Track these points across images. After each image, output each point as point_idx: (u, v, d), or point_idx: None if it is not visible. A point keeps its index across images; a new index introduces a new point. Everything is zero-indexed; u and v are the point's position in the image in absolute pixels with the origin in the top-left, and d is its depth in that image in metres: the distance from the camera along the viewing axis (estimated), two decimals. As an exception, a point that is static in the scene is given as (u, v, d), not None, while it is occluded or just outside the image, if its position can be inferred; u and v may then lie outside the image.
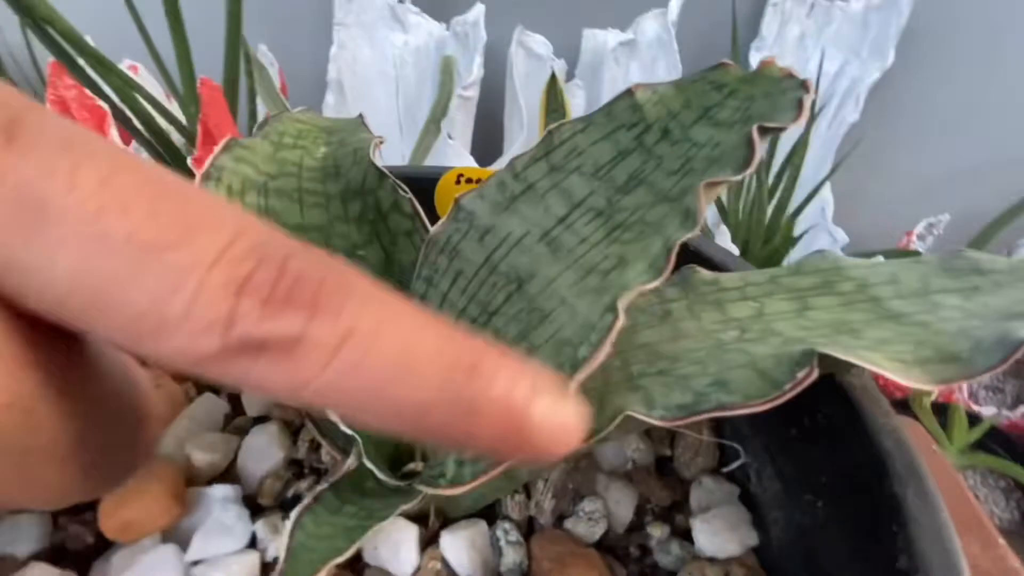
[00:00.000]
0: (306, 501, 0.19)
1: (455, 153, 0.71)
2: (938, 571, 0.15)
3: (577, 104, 0.77)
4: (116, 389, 0.11)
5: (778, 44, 0.76)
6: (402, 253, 0.24)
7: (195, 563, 0.20)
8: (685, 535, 0.22)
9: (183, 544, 0.20)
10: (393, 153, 0.78)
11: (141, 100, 0.50)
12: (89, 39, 0.46)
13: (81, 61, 0.46)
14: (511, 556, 0.21)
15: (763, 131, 0.16)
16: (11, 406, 0.09)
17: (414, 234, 0.24)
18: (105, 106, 0.51)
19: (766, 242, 0.72)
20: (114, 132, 0.56)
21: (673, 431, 0.25)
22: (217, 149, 0.24)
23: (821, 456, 0.21)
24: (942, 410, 0.66)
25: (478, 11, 0.75)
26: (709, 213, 0.81)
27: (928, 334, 0.17)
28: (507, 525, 0.22)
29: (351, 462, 0.21)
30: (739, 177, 0.16)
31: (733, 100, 0.20)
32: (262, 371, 0.09)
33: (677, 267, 0.25)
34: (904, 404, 0.66)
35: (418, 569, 0.20)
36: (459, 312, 0.22)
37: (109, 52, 0.48)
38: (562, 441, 0.10)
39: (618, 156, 0.20)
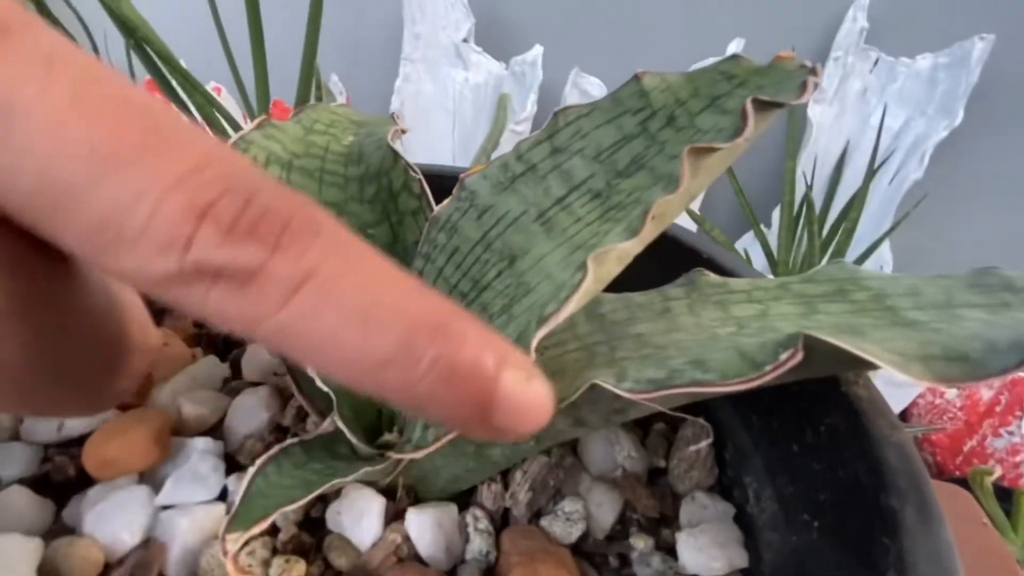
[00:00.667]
0: (272, 451, 0.19)
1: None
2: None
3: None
4: (98, 309, 0.12)
5: (839, 97, 0.74)
6: (408, 232, 0.25)
7: (165, 508, 0.20)
8: (670, 551, 0.21)
9: (157, 489, 0.20)
10: (444, 181, 0.81)
11: (220, 117, 0.54)
12: (182, 61, 0.51)
13: (172, 80, 0.50)
14: (478, 544, 0.20)
15: (760, 105, 0.16)
16: None
17: (419, 213, 0.24)
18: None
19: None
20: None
21: (670, 442, 0.24)
22: (249, 126, 0.25)
23: (822, 472, 0.19)
24: (1006, 495, 0.59)
25: (536, 52, 0.78)
26: (758, 263, 0.79)
27: (939, 336, 0.16)
28: (479, 512, 0.21)
29: (326, 425, 0.21)
30: (727, 145, 0.15)
31: (743, 90, 0.19)
32: (217, 300, 0.09)
33: (688, 272, 0.24)
34: (964, 483, 0.60)
35: (379, 540, 0.19)
36: (451, 287, 0.22)
37: (198, 74, 0.52)
38: (527, 418, 0.10)
39: (622, 140, 0.20)
